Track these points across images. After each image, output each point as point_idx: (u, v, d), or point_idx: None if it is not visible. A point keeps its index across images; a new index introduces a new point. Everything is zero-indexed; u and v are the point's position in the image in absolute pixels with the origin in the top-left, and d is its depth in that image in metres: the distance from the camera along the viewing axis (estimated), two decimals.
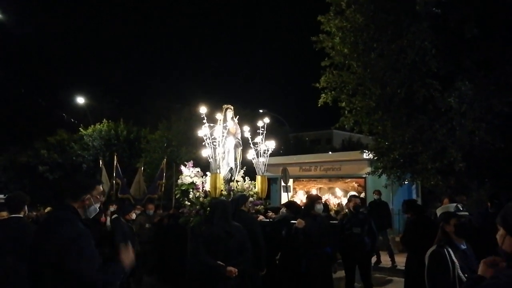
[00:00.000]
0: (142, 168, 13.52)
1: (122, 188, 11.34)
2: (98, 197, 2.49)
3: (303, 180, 15.18)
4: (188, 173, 6.53)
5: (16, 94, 28.13)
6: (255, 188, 6.67)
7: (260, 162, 6.80)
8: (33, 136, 24.02)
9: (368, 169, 10.58)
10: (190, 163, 6.67)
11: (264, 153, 6.86)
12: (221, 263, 3.82)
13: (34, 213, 13.09)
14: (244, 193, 6.07)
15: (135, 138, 22.11)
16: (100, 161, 13.57)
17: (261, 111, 20.39)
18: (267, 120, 6.93)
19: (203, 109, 6.24)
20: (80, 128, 22.72)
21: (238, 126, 6.97)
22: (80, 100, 23.57)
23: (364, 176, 12.31)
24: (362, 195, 12.14)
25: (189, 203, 6.29)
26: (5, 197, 4.44)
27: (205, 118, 6.22)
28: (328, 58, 8.41)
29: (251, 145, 6.86)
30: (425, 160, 7.04)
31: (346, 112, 8.43)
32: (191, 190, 6.34)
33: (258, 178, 6.76)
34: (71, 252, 2.09)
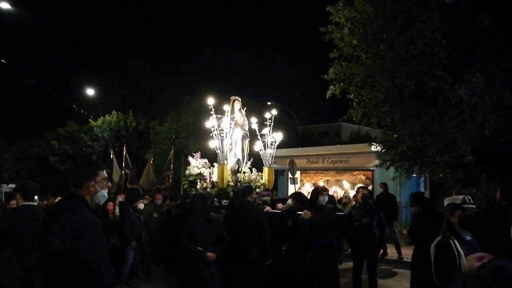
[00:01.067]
0: (152, 159, 13.59)
1: (131, 178, 11.48)
2: (104, 183, 2.44)
3: (310, 172, 15.18)
4: (196, 164, 6.60)
5: (28, 86, 28.46)
6: (262, 179, 6.70)
7: (267, 154, 6.83)
8: (44, 127, 24.34)
9: (376, 162, 10.51)
10: (198, 154, 6.72)
11: (272, 144, 6.87)
12: (201, 249, 4.14)
13: (45, 203, 13.38)
14: (250, 184, 6.10)
15: (144, 129, 22.23)
16: (111, 152, 13.71)
17: (269, 103, 20.32)
18: (275, 112, 6.94)
19: (210, 101, 6.27)
20: (90, 120, 22.92)
21: (246, 118, 6.99)
22: (90, 91, 23.74)
23: (371, 168, 12.28)
24: (370, 187, 12.10)
25: None
26: (15, 186, 4.52)
27: (213, 109, 6.25)
28: (336, 50, 8.30)
29: (259, 137, 6.88)
30: (434, 152, 6.96)
31: (354, 104, 8.36)
32: (199, 180, 6.40)
33: (265, 169, 6.80)
34: (80, 242, 2.09)
